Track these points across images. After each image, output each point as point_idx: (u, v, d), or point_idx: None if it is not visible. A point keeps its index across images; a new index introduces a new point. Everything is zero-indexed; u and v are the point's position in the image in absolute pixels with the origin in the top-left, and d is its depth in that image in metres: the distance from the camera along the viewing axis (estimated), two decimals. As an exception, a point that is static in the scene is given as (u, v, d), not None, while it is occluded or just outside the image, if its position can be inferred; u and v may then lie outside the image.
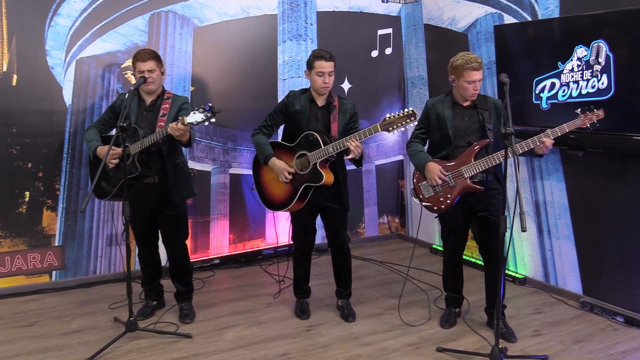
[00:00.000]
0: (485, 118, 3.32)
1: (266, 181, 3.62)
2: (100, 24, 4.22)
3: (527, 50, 4.00)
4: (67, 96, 4.18)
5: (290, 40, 4.97)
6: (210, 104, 3.15)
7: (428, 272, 4.69)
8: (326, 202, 3.55)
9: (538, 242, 4.31)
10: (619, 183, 3.73)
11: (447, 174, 3.31)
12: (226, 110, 4.57)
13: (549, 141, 3.12)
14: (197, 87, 4.62)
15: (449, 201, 3.35)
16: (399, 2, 5.50)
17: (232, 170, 4.90)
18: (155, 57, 3.44)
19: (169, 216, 3.56)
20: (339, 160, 3.51)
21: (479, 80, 3.25)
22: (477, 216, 3.39)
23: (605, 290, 3.83)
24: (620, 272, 3.75)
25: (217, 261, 4.85)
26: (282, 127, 3.71)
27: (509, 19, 4.44)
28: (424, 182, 3.42)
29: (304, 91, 3.57)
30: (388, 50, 5.53)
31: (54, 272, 4.30)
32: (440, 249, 5.23)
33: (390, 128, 3.21)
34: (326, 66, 3.41)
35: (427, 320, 3.70)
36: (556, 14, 4.02)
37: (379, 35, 5.47)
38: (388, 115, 3.22)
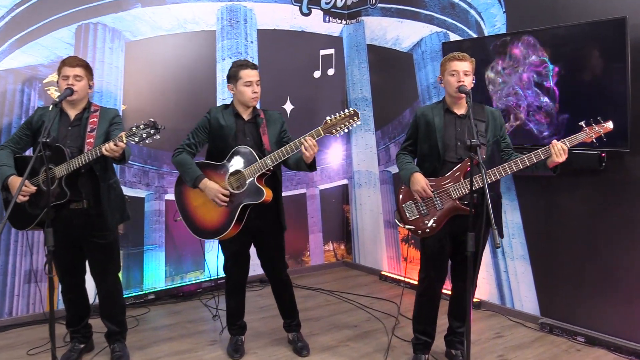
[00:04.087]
0: (480, 130, 3.00)
1: (195, 207, 3.24)
2: (20, 34, 3.80)
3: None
4: (-21, 114, 3.72)
5: (230, 58, 4.71)
6: (153, 119, 2.82)
7: (380, 300, 4.47)
8: (262, 224, 3.25)
9: (492, 264, 4.19)
10: (571, 200, 3.69)
11: (433, 193, 3.02)
12: (162, 131, 4.23)
13: (559, 145, 2.76)
14: (130, 106, 4.25)
15: (434, 224, 3.04)
16: (341, 23, 5.39)
17: (168, 196, 4.52)
18: (85, 65, 3.08)
19: (100, 245, 3.14)
20: (274, 175, 3.24)
21: (463, 71, 2.96)
22: (461, 240, 2.96)
23: (564, 310, 3.74)
24: (577, 291, 3.67)
25: (152, 296, 4.41)
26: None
27: (454, 38, 4.40)
28: (407, 203, 3.12)
29: (226, 106, 3.30)
30: (331, 71, 5.38)
31: (-40, 316, 3.74)
32: (391, 275, 5.03)
33: (334, 130, 2.98)
34: (252, 74, 3.18)
35: (388, 350, 3.45)
36: (503, 31, 4.00)
37: (321, 55, 5.32)
38: (329, 117, 2.99)
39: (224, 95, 4.71)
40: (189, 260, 4.65)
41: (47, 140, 2.65)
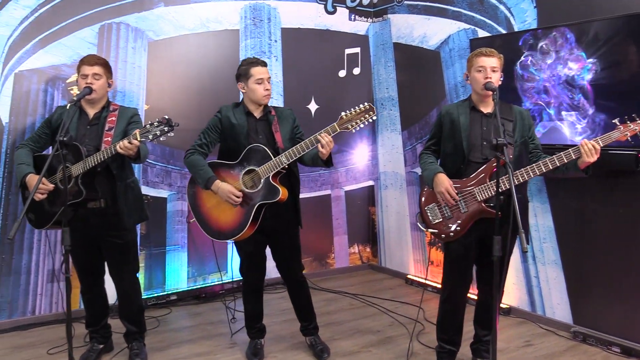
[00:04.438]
0: (507, 130, 2.87)
1: (209, 208, 3.17)
2: (43, 35, 3.82)
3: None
4: (4, 113, 3.74)
5: (254, 57, 4.65)
6: (167, 116, 2.78)
7: (405, 304, 4.34)
8: (277, 224, 3.17)
9: (522, 269, 4.02)
10: (605, 202, 3.50)
11: (457, 195, 2.89)
12: (184, 131, 4.16)
13: (590, 144, 2.61)
14: (152, 106, 4.23)
15: (459, 228, 2.91)
16: (367, 21, 5.29)
17: (190, 197, 4.48)
18: (104, 64, 3.06)
19: (117, 245, 3.12)
20: (291, 172, 3.16)
21: (491, 67, 2.84)
22: (487, 245, 2.82)
23: (598, 318, 3.56)
24: (612, 298, 3.48)
25: (173, 297, 4.38)
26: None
27: (483, 34, 4.25)
28: (430, 205, 3.00)
29: (237, 105, 3.24)
30: (356, 70, 5.28)
31: (-16, 314, 3.77)
32: (417, 278, 4.90)
33: (350, 126, 2.93)
34: (263, 72, 3.14)
35: (410, 357, 3.33)
36: (534, 27, 3.84)
37: (347, 54, 5.22)
38: (344, 113, 2.94)
39: (247, 95, 4.65)
40: (211, 261, 4.60)
41: (64, 138, 2.62)
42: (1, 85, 3.72)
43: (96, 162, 2.86)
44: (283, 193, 3.02)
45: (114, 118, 3.07)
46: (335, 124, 2.95)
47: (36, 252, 3.89)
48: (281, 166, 2.99)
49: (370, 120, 2.93)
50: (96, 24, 4.00)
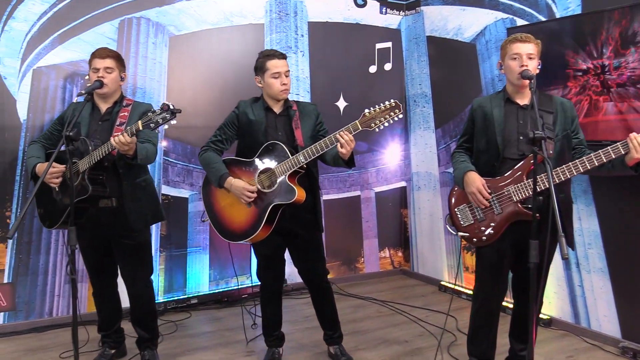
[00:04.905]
0: (547, 122, 2.61)
1: (222, 207, 3.00)
2: (62, 30, 3.74)
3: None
4: (22, 110, 3.67)
5: (279, 52, 4.48)
6: (168, 103, 2.62)
7: (437, 313, 4.06)
8: (295, 226, 2.96)
9: (565, 277, 3.71)
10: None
11: (491, 195, 2.65)
12: (206, 129, 4.03)
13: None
14: (173, 102, 4.05)
15: (492, 231, 2.66)
16: (399, 14, 5.05)
17: (213, 197, 4.34)
18: (116, 57, 2.94)
19: (129, 246, 2.97)
20: (310, 173, 2.95)
21: (527, 54, 2.58)
22: (524, 250, 2.47)
23: (650, 333, 3.23)
24: (667, 311, 3.15)
25: (194, 301, 4.24)
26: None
27: (521, 24, 3.96)
28: (461, 206, 2.77)
29: (256, 99, 3.04)
30: (387, 66, 5.05)
31: (1, 314, 3.69)
32: (451, 285, 4.61)
33: (373, 124, 2.68)
34: (281, 65, 2.91)
35: (439, 371, 3.09)
36: (578, 12, 3.53)
37: (377, 49, 5.00)
38: (367, 110, 2.70)
39: (272, 92, 4.48)
40: (234, 263, 4.43)
41: (70, 133, 2.48)
42: (19, 81, 3.65)
43: (101, 155, 2.71)
44: (299, 194, 2.81)
45: (126, 113, 2.94)
46: (357, 121, 2.72)
47: (54, 253, 3.81)
48: (298, 165, 2.78)
49: (396, 118, 2.68)
50: (116, 18, 3.90)
